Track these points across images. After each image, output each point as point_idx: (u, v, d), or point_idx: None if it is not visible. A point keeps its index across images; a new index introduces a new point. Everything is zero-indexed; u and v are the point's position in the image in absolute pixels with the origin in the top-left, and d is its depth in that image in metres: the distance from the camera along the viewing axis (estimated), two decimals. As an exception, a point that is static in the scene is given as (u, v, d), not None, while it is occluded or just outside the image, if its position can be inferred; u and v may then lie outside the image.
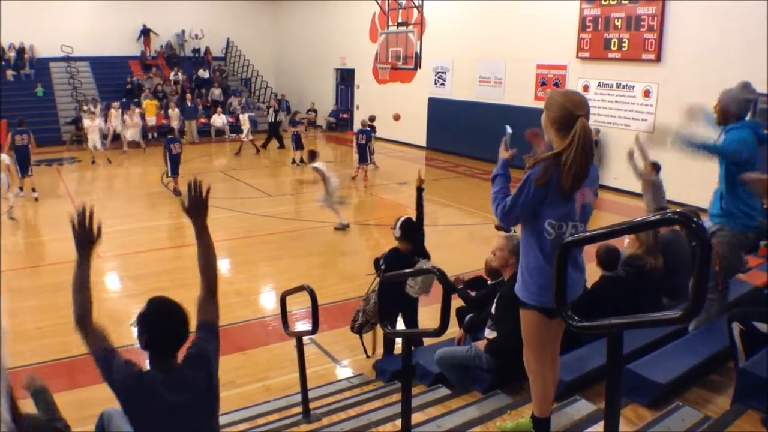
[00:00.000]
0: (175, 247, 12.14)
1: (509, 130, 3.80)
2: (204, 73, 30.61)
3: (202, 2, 31.26)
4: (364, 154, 19.02)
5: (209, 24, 31.62)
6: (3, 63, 27.42)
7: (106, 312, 8.96)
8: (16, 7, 26.91)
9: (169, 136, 17.41)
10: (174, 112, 25.95)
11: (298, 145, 21.37)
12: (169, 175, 16.73)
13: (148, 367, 2.96)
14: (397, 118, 19.73)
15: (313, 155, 13.94)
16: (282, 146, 25.08)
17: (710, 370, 4.76)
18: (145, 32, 30.46)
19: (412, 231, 6.83)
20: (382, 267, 6.80)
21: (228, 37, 32.59)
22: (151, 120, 26.10)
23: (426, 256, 6.89)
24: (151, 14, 30.11)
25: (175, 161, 16.53)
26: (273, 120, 25.22)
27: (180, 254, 11.71)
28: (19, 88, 26.44)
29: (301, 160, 20.86)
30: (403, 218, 6.94)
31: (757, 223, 5.22)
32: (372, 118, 20.20)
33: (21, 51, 27.91)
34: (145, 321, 2.96)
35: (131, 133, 24.27)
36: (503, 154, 3.76)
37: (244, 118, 24.26)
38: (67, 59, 28.73)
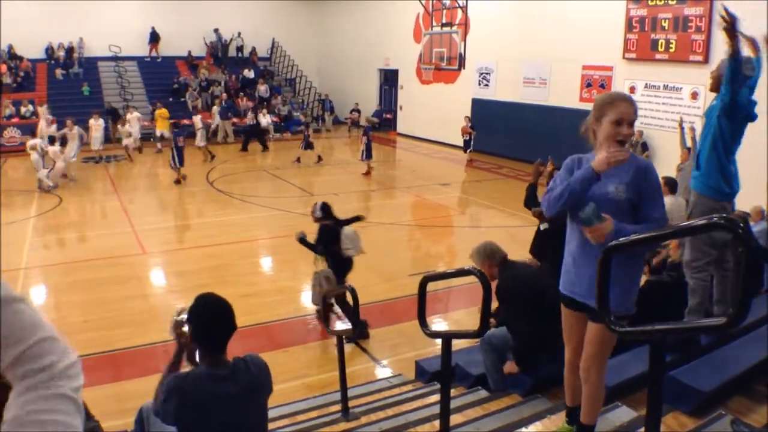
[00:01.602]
0: (218, 244, 12.27)
1: (590, 210, 3.27)
2: (249, 73, 30.87)
3: (248, 3, 31.53)
4: (370, 151, 19.67)
5: (255, 25, 31.86)
6: (52, 62, 28.02)
7: (151, 307, 9.14)
8: (66, 7, 27.50)
9: (176, 130, 18.49)
10: (214, 109, 26.54)
11: (307, 144, 21.60)
12: (177, 165, 17.70)
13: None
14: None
15: (51, 139, 17.10)
16: (266, 149, 24.74)
17: (755, 379, 4.68)
18: (154, 36, 30.34)
19: (329, 210, 8.57)
20: (306, 240, 8.46)
21: (273, 38, 32.82)
22: (164, 132, 23.50)
23: (347, 223, 8.71)
24: (197, 15, 30.43)
25: (180, 153, 17.61)
26: (254, 122, 25.07)
27: (222, 252, 11.84)
28: (68, 87, 26.99)
29: (319, 159, 21.82)
30: (318, 203, 8.66)
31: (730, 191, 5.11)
32: (468, 118, 22.42)
33: (70, 50, 28.46)
34: (192, 315, 3.11)
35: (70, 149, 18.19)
36: (608, 227, 3.27)
37: (196, 120, 22.64)
38: (115, 59, 29.25)
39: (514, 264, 5.42)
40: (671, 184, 9.35)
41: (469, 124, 22.42)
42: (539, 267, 6.19)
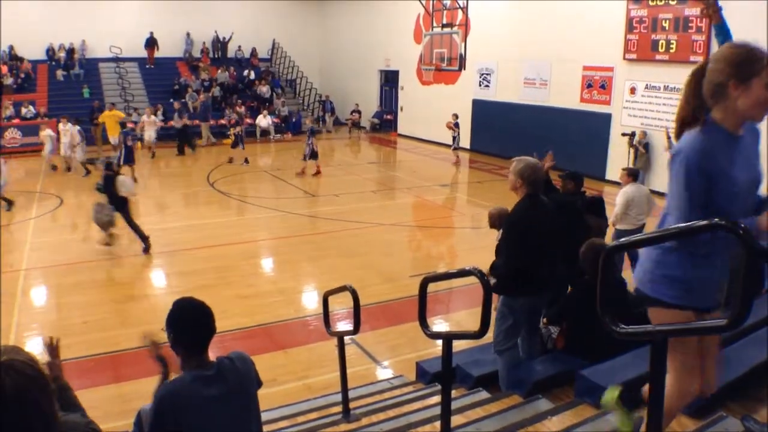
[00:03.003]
0: (219, 245, 12.27)
1: None
2: (249, 74, 30.82)
3: (248, 3, 31.54)
4: (315, 152, 19.58)
5: (255, 25, 31.83)
6: (53, 63, 28.03)
7: (150, 308, 9.13)
8: (67, 8, 27.53)
9: (124, 130, 18.94)
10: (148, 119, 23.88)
11: (236, 143, 21.67)
12: (122, 163, 17.63)
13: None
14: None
15: None
16: (193, 151, 23.83)
17: (755, 380, 4.67)
18: (150, 42, 29.92)
19: (112, 165, 12.11)
20: (100, 187, 11.92)
21: (274, 39, 32.80)
22: (113, 139, 20.44)
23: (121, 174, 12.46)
24: (198, 16, 30.46)
25: (129, 151, 18.19)
26: (181, 126, 24.07)
27: (223, 253, 11.84)
28: (69, 88, 27.01)
29: (246, 161, 21.47)
30: (106, 161, 12.27)
31: None
32: (455, 116, 22.55)
33: (71, 51, 28.47)
34: (170, 320, 3.09)
35: None
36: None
37: (45, 135, 19.79)
38: (116, 60, 29.21)
39: (537, 201, 5.29)
40: (634, 174, 9.91)
41: (454, 121, 22.42)
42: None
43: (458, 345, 5.72)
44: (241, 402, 3.09)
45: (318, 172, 19.73)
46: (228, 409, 3.01)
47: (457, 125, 22.41)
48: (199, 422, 2.94)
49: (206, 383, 2.98)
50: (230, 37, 31.65)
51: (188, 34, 31.05)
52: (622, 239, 3.18)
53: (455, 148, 22.56)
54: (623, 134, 17.97)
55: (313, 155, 19.43)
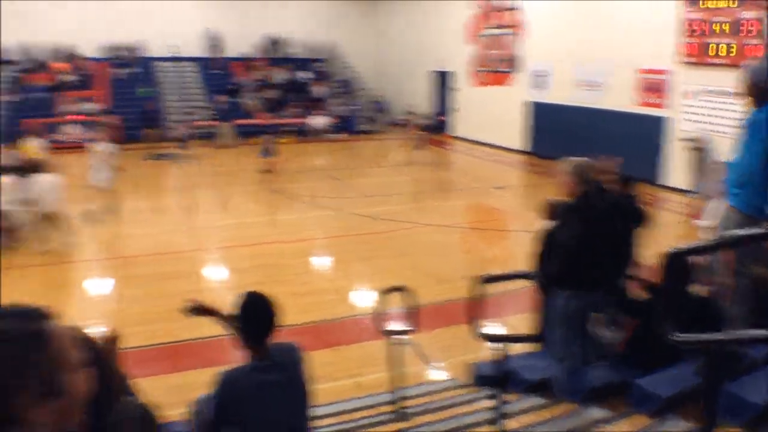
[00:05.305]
0: (275, 242, 12.45)
1: None
2: (304, 75, 31.05)
3: (304, 3, 31.75)
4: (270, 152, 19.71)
5: (311, 26, 31.98)
6: (112, 61, 28.61)
7: (209, 301, 9.32)
8: (128, 6, 28.07)
9: None
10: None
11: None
12: None
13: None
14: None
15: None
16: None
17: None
18: (214, 46, 30.39)
19: None
20: None
21: (329, 39, 32.85)
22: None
23: None
24: (254, 16, 30.80)
25: None
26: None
27: (280, 250, 12.02)
28: (129, 87, 27.59)
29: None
30: None
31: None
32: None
33: (130, 50, 29.03)
34: (241, 311, 3.36)
35: None
36: None
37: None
38: (174, 59, 29.67)
39: (591, 200, 5.28)
40: None
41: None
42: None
43: (512, 348, 5.74)
44: (294, 391, 3.33)
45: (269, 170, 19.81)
46: (284, 396, 3.24)
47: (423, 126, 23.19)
48: (258, 409, 3.12)
49: (265, 372, 3.22)
50: (285, 37, 31.92)
51: (208, 30, 30.60)
52: (692, 245, 3.18)
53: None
54: (680, 139, 17.68)
55: (268, 153, 19.55)
